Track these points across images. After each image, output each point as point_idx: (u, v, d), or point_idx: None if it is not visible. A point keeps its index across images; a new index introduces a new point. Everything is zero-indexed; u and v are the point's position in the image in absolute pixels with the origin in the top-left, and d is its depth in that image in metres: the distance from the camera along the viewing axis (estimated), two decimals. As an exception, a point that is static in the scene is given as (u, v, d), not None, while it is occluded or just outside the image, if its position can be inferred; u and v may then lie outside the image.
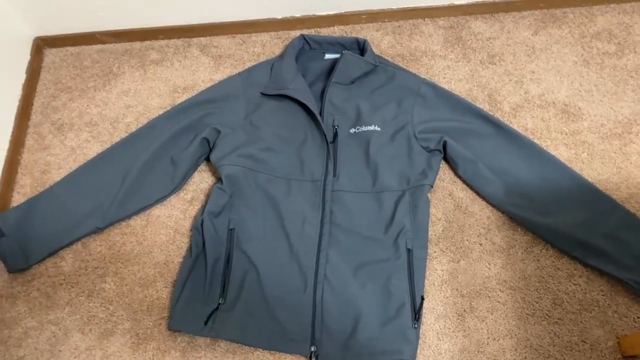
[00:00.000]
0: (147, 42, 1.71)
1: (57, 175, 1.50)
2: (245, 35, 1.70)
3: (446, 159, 1.42)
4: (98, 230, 1.39)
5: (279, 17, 1.66)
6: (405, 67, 1.55)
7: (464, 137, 1.41)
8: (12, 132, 1.54)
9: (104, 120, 1.58)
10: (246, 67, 1.60)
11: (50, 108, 1.62)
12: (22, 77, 1.61)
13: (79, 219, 1.39)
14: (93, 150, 1.54)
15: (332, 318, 1.24)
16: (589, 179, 1.35)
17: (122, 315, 1.32)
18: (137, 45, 1.71)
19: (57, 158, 1.53)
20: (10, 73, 1.58)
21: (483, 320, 1.25)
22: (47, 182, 1.49)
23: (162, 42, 1.70)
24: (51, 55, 1.71)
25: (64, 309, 1.33)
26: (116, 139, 1.54)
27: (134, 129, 1.54)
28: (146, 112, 1.59)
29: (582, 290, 1.26)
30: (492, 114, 1.45)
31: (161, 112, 1.56)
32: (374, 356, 1.18)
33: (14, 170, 1.51)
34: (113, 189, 1.41)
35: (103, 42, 1.71)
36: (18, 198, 1.48)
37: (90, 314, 1.32)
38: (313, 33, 1.68)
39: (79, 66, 1.68)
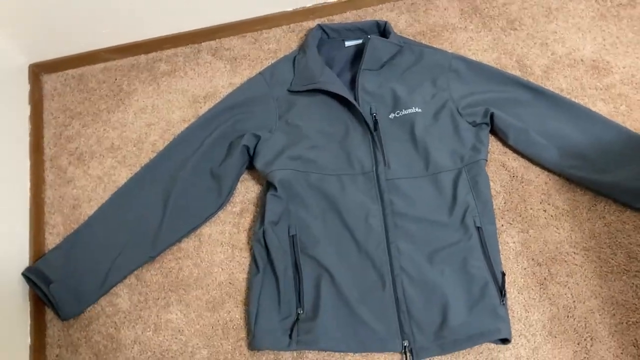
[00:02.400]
0: (154, 54, 1.61)
1: (89, 209, 1.41)
2: (256, 32, 1.62)
3: (493, 130, 1.41)
4: (151, 259, 1.31)
5: (290, 9, 1.59)
6: (429, 44, 1.53)
7: (507, 106, 1.39)
8: (30, 169, 1.42)
9: (126, 142, 1.49)
10: (265, 66, 1.53)
11: (63, 138, 1.50)
12: (26, 109, 1.49)
13: (127, 251, 1.31)
14: (122, 176, 1.44)
15: (419, 309, 1.21)
16: (634, 130, 1.37)
17: (197, 344, 1.25)
18: (142, 58, 1.60)
19: (84, 190, 1.43)
20: (12, 107, 1.46)
21: (565, 285, 1.25)
22: (81, 218, 1.40)
23: (170, 52, 1.61)
24: (51, 82, 1.59)
25: (133, 348, 1.25)
26: (144, 160, 1.46)
27: (161, 148, 1.45)
28: (170, 127, 1.50)
29: (652, 239, 1.28)
30: (526, 79, 1.44)
31: (185, 125, 1.49)
32: (472, 339, 1.17)
33: (40, 210, 1.40)
34: (156, 214, 1.34)
35: (106, 60, 1.60)
36: (52, 239, 1.38)
37: (162, 348, 1.25)
38: (326, 22, 1.62)
39: (85, 89, 1.57)
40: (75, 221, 1.39)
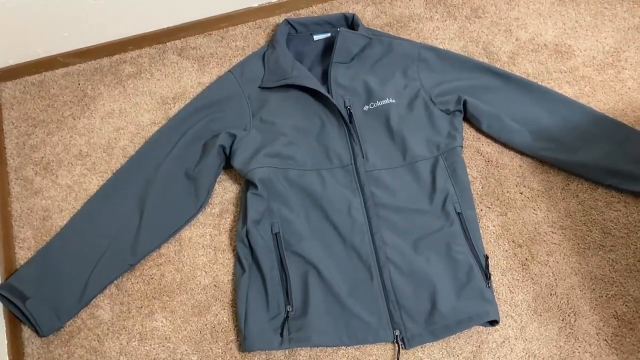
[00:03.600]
0: (117, 56, 1.56)
1: (60, 220, 1.35)
2: (221, 30, 1.60)
3: (466, 117, 1.43)
4: (131, 267, 1.27)
5: (255, 5, 1.57)
6: (397, 35, 1.54)
7: (478, 93, 1.42)
8: (-6, 183, 1.36)
9: (95, 149, 1.43)
10: (233, 64, 1.51)
11: (27, 147, 1.44)
12: (-16, 119, 1.42)
13: (105, 261, 1.26)
14: (93, 183, 1.39)
15: (408, 298, 1.22)
16: (598, 110, 1.42)
17: (186, 350, 1.22)
18: (105, 61, 1.55)
19: (54, 200, 1.37)
20: (-31, 118, 1.39)
21: (546, 264, 1.28)
22: (52, 230, 1.34)
23: (134, 53, 1.56)
24: (8, 90, 1.51)
25: (119, 359, 1.21)
26: (115, 166, 1.41)
27: (132, 152, 1.41)
28: (139, 131, 1.46)
29: (623, 214, 1.32)
30: (494, 65, 1.47)
31: (156, 128, 1.45)
32: (462, 323, 1.18)
33: (7, 224, 1.34)
34: (132, 220, 1.30)
35: (66, 65, 1.54)
36: (23, 254, 1.32)
37: (150, 357, 1.21)
38: (293, 16, 1.61)
39: (46, 95, 1.50)
40: (47, 233, 1.34)
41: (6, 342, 1.19)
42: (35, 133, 1.45)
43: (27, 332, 1.25)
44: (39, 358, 1.22)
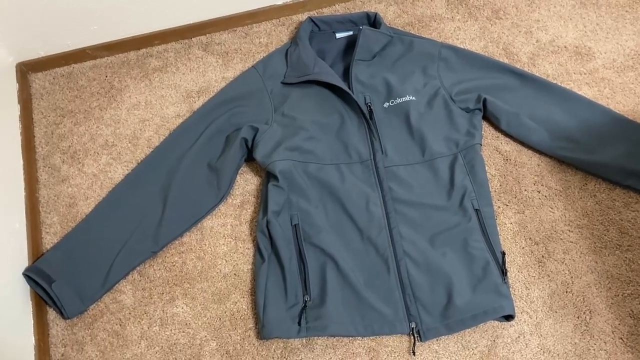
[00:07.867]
0: (144, 50, 1.60)
1: (85, 207, 1.39)
2: (246, 27, 1.63)
3: (485, 116, 1.45)
4: (153, 254, 1.31)
5: (279, 2, 1.60)
6: (418, 34, 1.56)
7: (497, 92, 1.43)
8: (23, 169, 1.39)
9: (121, 139, 1.47)
10: (257, 60, 1.54)
11: (55, 136, 1.48)
12: (15, 109, 1.46)
13: (128, 248, 1.30)
14: (118, 172, 1.43)
15: (424, 292, 1.23)
16: (617, 112, 1.42)
17: (206, 336, 1.25)
18: (132, 55, 1.59)
19: (80, 188, 1.41)
20: (1, 106, 1.42)
21: (562, 262, 1.29)
22: (78, 216, 1.38)
23: (160, 48, 1.60)
24: (38, 81, 1.56)
25: (140, 343, 1.24)
26: (140, 156, 1.45)
27: (156, 143, 1.45)
28: (164, 123, 1.49)
29: (641, 215, 1.33)
30: (513, 65, 1.48)
31: (180, 120, 1.48)
32: (477, 317, 1.19)
33: (35, 210, 1.38)
34: (155, 209, 1.33)
35: (94, 58, 1.58)
36: (49, 239, 1.36)
37: (170, 342, 1.24)
38: (315, 14, 1.64)
39: (75, 87, 1.55)
40: (72, 220, 1.37)
41: (32, 322, 1.23)
42: (63, 123, 1.50)
43: (52, 314, 1.28)
44: (63, 339, 1.25)
